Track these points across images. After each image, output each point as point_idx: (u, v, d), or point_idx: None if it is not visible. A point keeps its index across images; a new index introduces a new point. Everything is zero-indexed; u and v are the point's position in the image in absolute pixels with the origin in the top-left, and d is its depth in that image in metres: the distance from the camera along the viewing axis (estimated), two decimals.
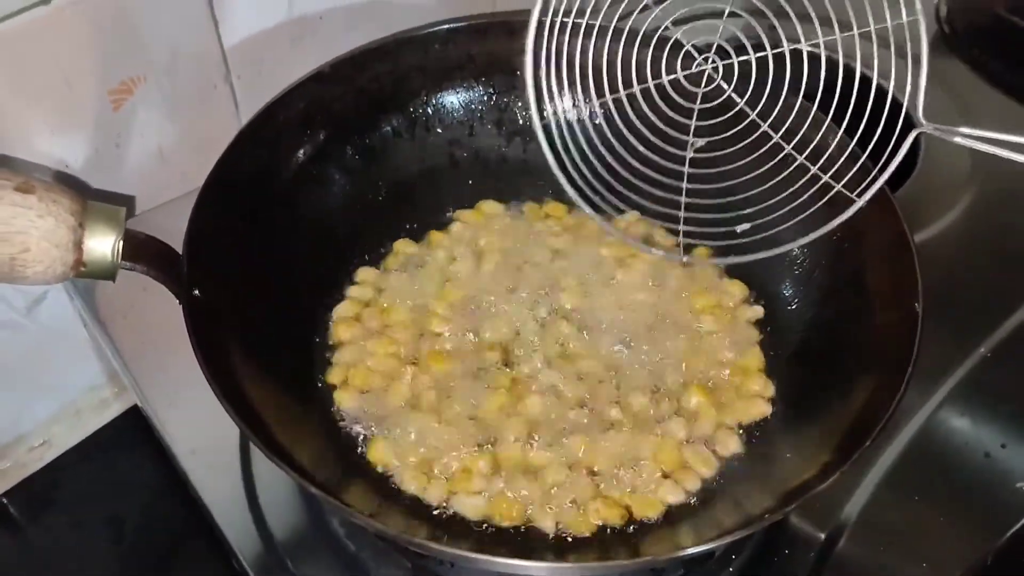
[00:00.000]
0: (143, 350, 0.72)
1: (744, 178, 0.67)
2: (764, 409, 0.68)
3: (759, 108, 0.67)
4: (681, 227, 0.68)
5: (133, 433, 0.84)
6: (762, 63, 0.66)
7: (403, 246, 0.76)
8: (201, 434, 0.68)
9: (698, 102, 0.68)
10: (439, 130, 0.79)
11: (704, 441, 0.66)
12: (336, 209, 0.75)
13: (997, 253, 0.84)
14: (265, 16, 0.76)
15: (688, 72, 0.68)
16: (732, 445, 0.66)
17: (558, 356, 0.70)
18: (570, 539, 0.61)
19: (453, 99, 0.79)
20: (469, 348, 0.70)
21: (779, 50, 0.66)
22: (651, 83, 0.69)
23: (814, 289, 0.69)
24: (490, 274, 0.74)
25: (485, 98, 0.79)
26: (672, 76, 0.68)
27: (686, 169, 0.68)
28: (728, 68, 0.67)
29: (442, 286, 0.74)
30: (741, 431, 0.67)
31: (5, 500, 0.83)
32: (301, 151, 0.73)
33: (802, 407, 0.66)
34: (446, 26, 0.77)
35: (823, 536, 0.64)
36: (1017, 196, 0.87)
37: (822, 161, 0.65)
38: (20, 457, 0.84)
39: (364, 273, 0.74)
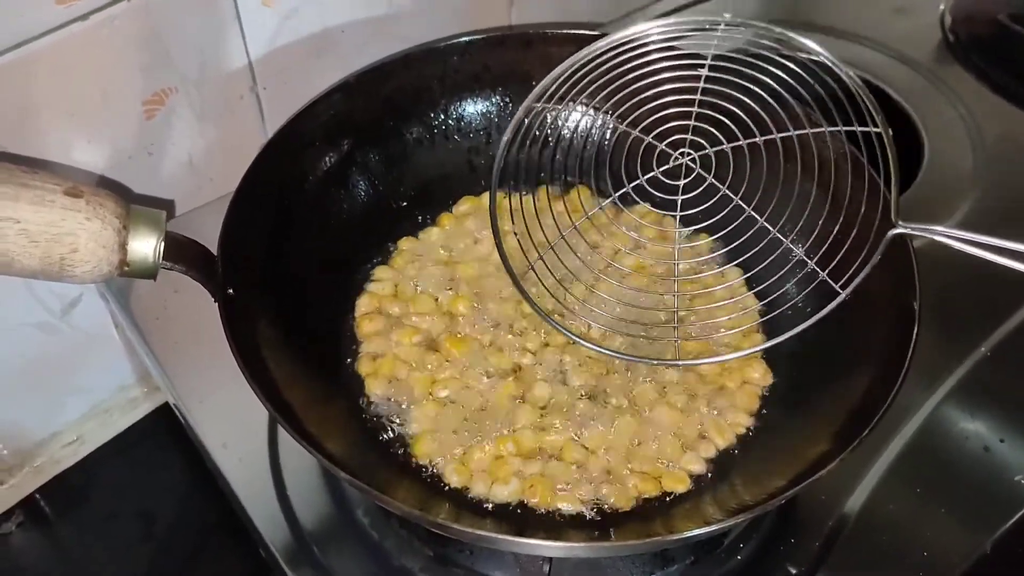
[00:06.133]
0: (175, 349, 0.74)
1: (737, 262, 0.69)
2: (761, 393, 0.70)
3: (741, 192, 0.68)
4: (676, 325, 0.70)
5: (161, 432, 0.86)
6: (739, 150, 0.67)
7: (408, 244, 0.78)
8: (231, 428, 0.70)
9: (680, 194, 0.69)
10: (458, 137, 0.81)
11: (716, 412, 0.69)
12: (359, 212, 0.77)
13: None
14: (290, 29, 0.78)
15: (666, 167, 0.69)
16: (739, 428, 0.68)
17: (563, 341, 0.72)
18: (608, 513, 0.63)
19: (471, 108, 0.81)
20: (483, 331, 0.72)
21: (752, 140, 0.67)
22: (628, 186, 0.70)
23: (816, 290, 0.69)
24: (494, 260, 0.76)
25: (501, 107, 0.81)
26: (650, 175, 0.69)
27: (676, 263, 0.71)
28: (705, 159, 0.68)
29: (454, 269, 0.76)
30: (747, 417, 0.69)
31: (39, 496, 0.84)
32: (327, 158, 0.75)
33: (803, 398, 0.68)
34: (464, 39, 0.78)
35: (828, 525, 0.66)
36: (1018, 200, 0.88)
37: (808, 244, 0.67)
38: (54, 454, 0.85)
39: (381, 271, 0.76)
